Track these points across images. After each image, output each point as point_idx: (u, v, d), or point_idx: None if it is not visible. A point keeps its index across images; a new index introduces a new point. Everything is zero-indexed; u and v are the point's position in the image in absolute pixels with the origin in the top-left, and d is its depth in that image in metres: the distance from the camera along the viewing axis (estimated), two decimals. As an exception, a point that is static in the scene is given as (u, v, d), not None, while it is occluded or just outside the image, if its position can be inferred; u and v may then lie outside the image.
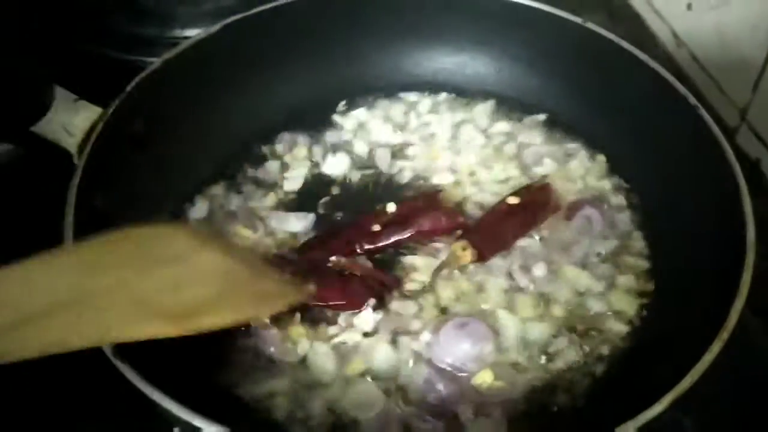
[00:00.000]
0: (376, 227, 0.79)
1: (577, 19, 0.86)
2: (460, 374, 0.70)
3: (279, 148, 0.91)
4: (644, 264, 0.79)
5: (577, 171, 0.88)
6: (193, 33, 0.87)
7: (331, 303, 0.74)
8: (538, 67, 0.93)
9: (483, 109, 0.95)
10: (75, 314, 0.55)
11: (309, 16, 0.90)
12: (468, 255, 0.76)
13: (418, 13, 0.94)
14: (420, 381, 0.69)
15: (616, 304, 0.75)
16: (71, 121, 0.74)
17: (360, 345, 0.72)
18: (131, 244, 0.64)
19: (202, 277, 0.63)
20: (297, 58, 0.92)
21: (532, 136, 0.91)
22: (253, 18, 0.86)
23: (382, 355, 0.71)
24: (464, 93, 0.96)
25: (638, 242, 0.81)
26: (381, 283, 0.76)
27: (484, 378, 0.69)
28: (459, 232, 0.79)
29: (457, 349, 0.70)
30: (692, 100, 0.77)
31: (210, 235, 0.77)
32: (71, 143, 0.74)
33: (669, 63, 1.19)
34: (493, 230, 0.79)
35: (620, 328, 0.73)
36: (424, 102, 0.96)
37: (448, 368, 0.70)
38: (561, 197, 0.83)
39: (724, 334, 0.59)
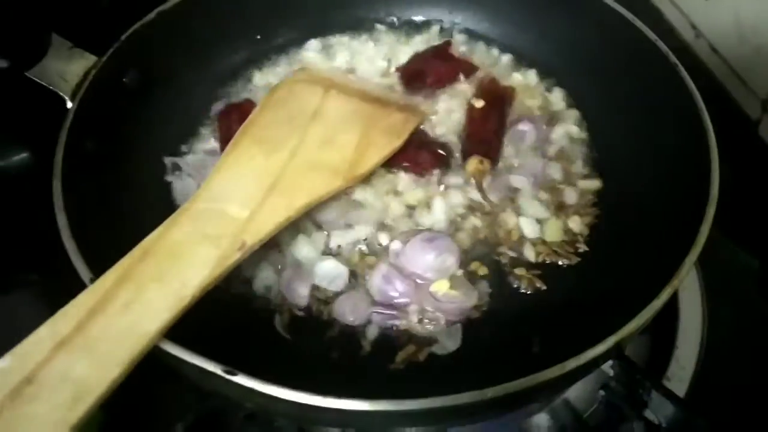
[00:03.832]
0: None
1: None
2: (420, 281, 0.75)
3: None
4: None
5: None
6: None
7: (403, 164, 0.82)
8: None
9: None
10: (278, 193, 0.70)
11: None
12: (487, 164, 0.82)
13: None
14: (379, 277, 0.75)
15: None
16: (66, 68, 0.77)
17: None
18: (278, 109, 0.80)
19: (342, 123, 0.79)
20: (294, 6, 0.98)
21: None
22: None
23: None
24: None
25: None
26: (445, 152, 0.85)
27: (441, 286, 0.74)
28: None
29: (421, 260, 0.75)
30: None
31: (326, 77, 0.89)
32: (65, 89, 0.77)
33: (687, 55, 1.17)
34: (483, 137, 0.85)
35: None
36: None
37: (411, 275, 0.75)
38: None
39: (675, 281, 0.60)
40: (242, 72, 0.96)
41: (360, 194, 0.80)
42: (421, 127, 0.88)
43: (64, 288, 0.60)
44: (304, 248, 0.77)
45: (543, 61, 0.97)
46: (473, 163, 0.82)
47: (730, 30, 1.09)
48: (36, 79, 0.77)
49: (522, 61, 0.98)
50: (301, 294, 0.75)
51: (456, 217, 0.81)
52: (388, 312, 0.74)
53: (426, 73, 0.92)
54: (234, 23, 0.95)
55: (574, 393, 0.80)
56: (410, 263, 0.76)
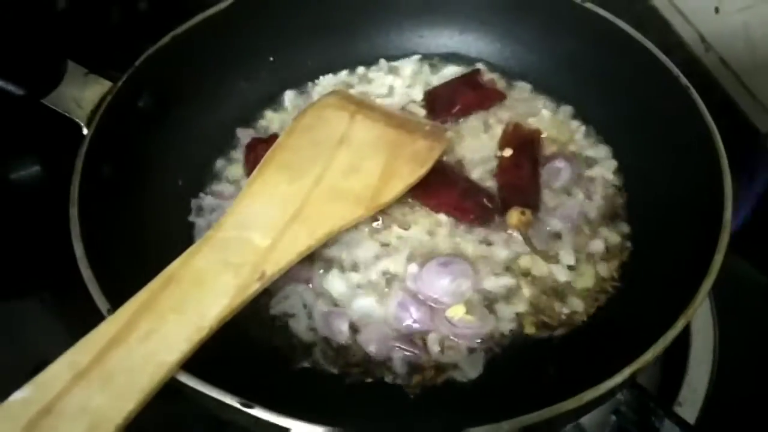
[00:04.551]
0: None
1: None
2: (436, 306, 0.75)
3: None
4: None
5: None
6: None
7: (439, 208, 0.81)
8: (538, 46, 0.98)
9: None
10: (300, 221, 0.70)
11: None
12: (529, 214, 0.79)
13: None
14: (394, 304, 0.75)
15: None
16: (81, 94, 0.78)
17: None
18: (305, 135, 0.80)
19: (366, 150, 0.79)
20: (309, 32, 0.98)
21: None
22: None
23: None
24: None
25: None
26: (491, 204, 0.82)
27: (457, 311, 0.74)
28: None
29: (437, 284, 0.75)
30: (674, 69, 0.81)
31: (354, 101, 0.88)
32: (81, 115, 0.77)
33: (697, 68, 1.17)
34: (518, 185, 0.83)
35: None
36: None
37: (427, 300, 0.75)
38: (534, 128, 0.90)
39: (690, 311, 0.61)
40: (258, 96, 0.97)
41: (402, 232, 0.80)
42: (460, 169, 0.86)
43: (75, 302, 0.62)
44: (337, 283, 0.77)
45: (549, 84, 0.96)
46: (514, 216, 0.79)
47: (740, 43, 1.08)
48: (52, 106, 0.77)
49: (524, 80, 0.98)
50: (342, 330, 0.74)
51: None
52: (411, 350, 0.73)
53: (453, 101, 0.92)
54: (247, 47, 0.95)
55: (586, 418, 0.80)
56: (426, 287, 0.76)
